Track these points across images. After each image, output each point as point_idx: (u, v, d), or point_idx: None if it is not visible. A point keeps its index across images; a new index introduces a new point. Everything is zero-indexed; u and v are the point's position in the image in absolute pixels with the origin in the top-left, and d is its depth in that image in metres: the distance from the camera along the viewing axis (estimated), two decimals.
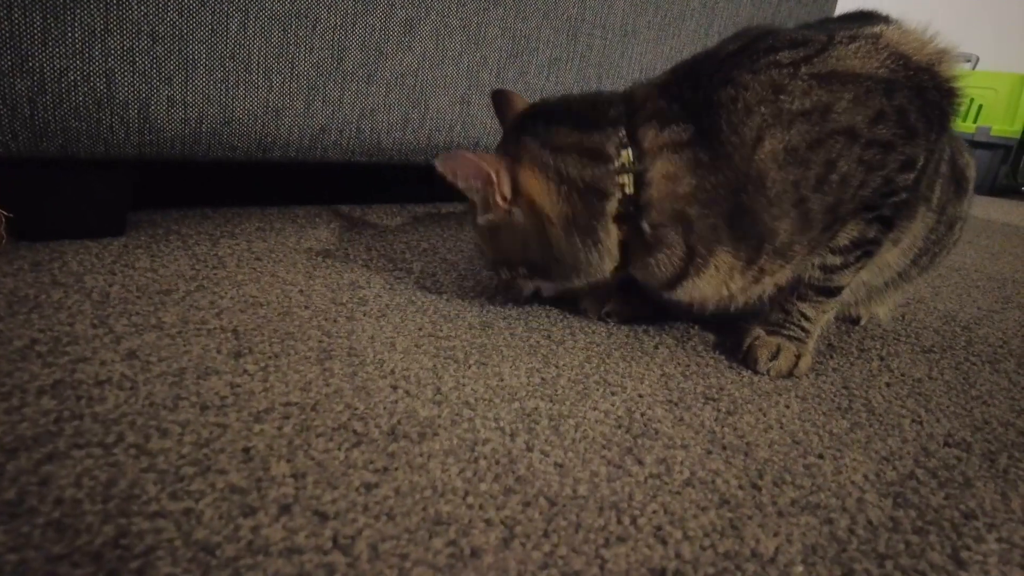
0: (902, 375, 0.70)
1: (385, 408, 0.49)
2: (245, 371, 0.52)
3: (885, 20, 0.68)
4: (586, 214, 0.64)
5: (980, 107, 2.98)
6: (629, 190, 0.63)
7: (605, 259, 0.66)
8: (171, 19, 0.73)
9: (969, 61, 3.07)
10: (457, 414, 0.50)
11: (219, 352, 0.55)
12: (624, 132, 0.64)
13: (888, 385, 0.67)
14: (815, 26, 0.70)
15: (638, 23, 1.15)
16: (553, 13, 1.04)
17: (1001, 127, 2.95)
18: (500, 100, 0.79)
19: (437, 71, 0.96)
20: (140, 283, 0.67)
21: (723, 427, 0.53)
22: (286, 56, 0.83)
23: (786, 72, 0.60)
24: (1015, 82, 2.92)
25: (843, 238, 0.64)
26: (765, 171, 0.60)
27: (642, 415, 0.53)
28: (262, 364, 0.54)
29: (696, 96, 0.63)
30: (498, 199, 0.65)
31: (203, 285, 0.68)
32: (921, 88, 0.62)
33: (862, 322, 0.85)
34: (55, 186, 0.76)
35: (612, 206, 0.64)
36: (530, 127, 0.68)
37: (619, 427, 0.51)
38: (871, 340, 0.80)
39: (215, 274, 0.72)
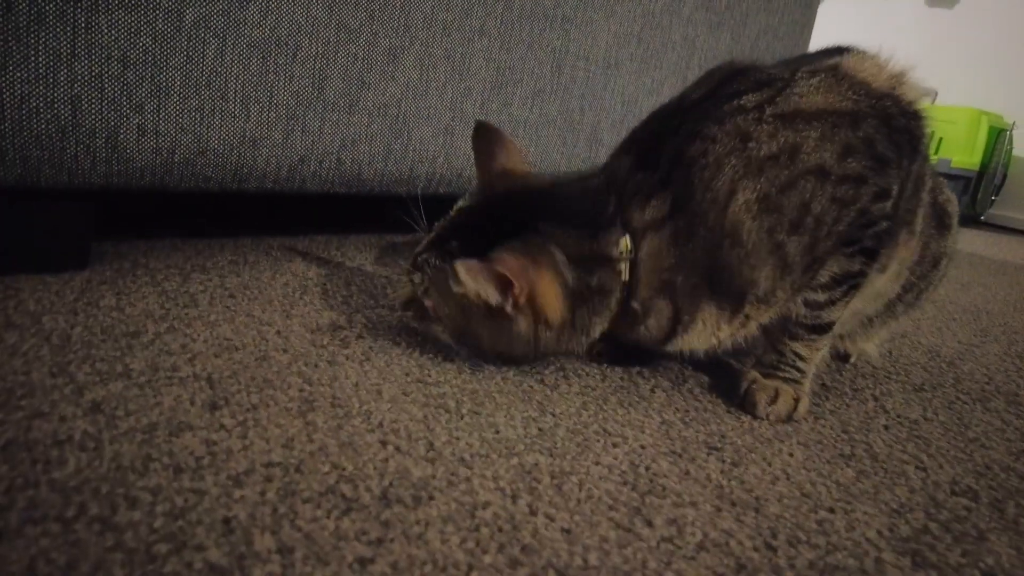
0: (898, 417, 0.68)
1: (375, 467, 0.46)
2: (222, 426, 0.48)
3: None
4: (587, 314, 0.62)
5: (941, 140, 3.08)
6: (625, 277, 0.62)
7: (583, 341, 0.64)
8: (144, 44, 0.70)
9: (929, 95, 3.17)
10: (453, 473, 0.46)
11: (193, 404, 0.51)
12: (620, 222, 0.62)
13: (886, 428, 0.65)
14: (791, 63, 0.69)
15: (621, 55, 1.14)
16: (538, 44, 1.03)
17: (961, 159, 3.04)
18: (484, 135, 0.71)
19: (421, 101, 0.94)
20: (105, 324, 0.62)
21: (730, 480, 0.51)
22: (265, 85, 0.79)
23: (751, 117, 0.59)
24: (973, 116, 3.03)
25: (824, 275, 0.63)
26: (739, 223, 0.59)
27: (647, 469, 0.51)
28: (240, 418, 0.50)
29: (666, 153, 0.61)
30: (507, 307, 0.59)
31: (174, 326, 0.64)
32: (887, 115, 0.61)
33: (852, 359, 0.84)
34: (13, 216, 0.71)
35: (615, 299, 0.62)
36: (543, 225, 0.61)
37: (624, 484, 0.48)
38: (863, 379, 0.79)
39: (186, 313, 0.68)
